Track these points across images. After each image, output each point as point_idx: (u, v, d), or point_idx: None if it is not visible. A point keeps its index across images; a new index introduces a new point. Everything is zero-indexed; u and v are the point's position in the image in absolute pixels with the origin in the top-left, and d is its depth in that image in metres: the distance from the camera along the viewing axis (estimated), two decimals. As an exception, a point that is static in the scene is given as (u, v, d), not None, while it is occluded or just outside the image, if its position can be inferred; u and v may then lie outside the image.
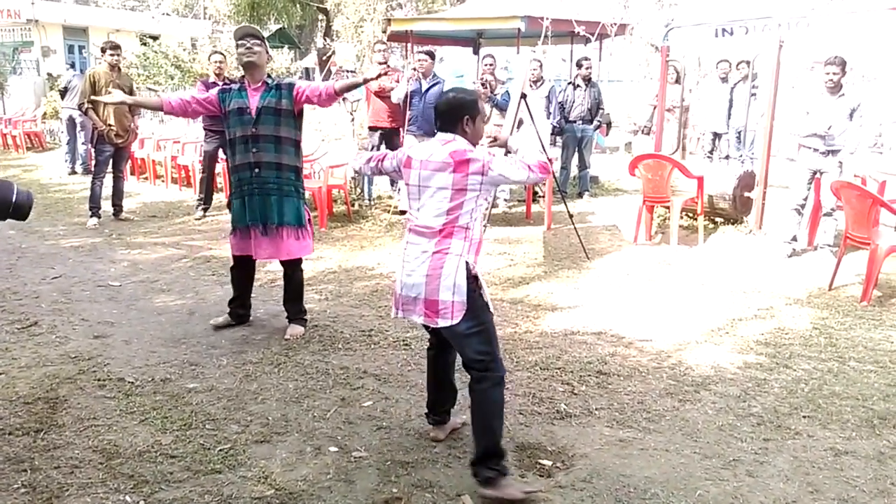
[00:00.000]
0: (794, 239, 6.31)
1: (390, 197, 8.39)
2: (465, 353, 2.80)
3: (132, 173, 10.13)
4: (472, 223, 2.78)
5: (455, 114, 2.77)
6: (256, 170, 4.11)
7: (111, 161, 7.47)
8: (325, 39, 21.62)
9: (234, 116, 4.10)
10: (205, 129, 7.91)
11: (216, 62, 7.85)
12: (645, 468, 2.90)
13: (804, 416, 3.37)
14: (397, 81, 7.83)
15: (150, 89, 14.46)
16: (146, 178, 10.46)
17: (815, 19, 6.37)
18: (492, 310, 2.84)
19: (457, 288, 2.70)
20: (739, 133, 9.98)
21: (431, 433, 3.14)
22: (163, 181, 10.08)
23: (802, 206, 6.27)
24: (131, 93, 7.51)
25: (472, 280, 2.74)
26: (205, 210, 7.93)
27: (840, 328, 4.57)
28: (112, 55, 7.28)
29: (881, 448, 3.08)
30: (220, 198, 8.45)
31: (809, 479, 2.84)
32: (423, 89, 7.65)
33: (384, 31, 12.72)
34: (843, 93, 5.91)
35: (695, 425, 3.27)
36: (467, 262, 2.74)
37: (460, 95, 2.84)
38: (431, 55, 8.01)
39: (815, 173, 6.12)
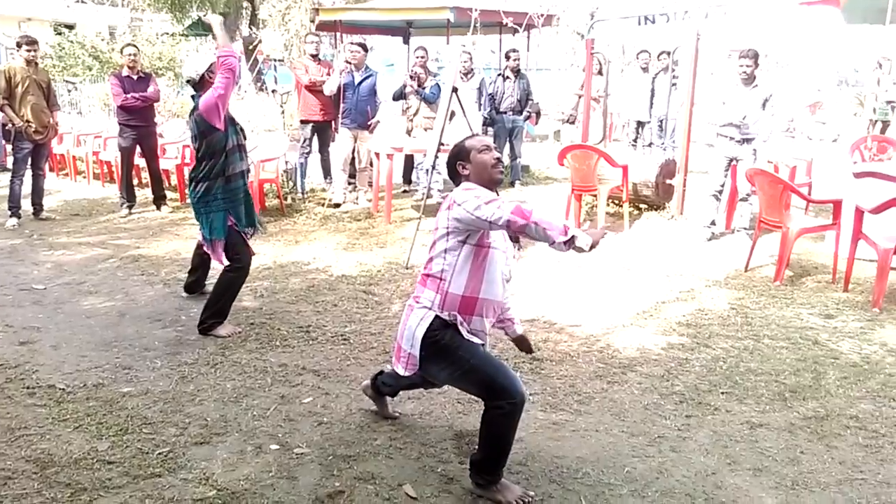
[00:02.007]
0: (713, 223, 6.62)
1: (324, 190, 8.35)
2: (467, 392, 2.86)
3: (51, 170, 9.72)
4: (447, 274, 2.57)
5: (451, 167, 2.76)
6: (246, 178, 4.42)
7: (30, 158, 7.18)
8: (250, 28, 21.15)
9: (231, 126, 4.25)
10: (120, 123, 7.52)
11: (129, 55, 7.54)
12: (577, 449, 3.04)
13: (723, 393, 3.59)
14: (328, 74, 7.78)
15: (67, 81, 13.87)
16: (66, 175, 10.07)
17: (732, 8, 6.67)
18: (477, 340, 2.65)
19: (414, 340, 2.62)
20: (661, 121, 10.35)
21: (363, 384, 3.34)
22: (84, 177, 9.72)
23: (720, 192, 6.59)
24: (49, 88, 7.24)
25: (443, 328, 2.58)
26: (129, 208, 7.72)
27: (755, 307, 4.85)
28: (28, 51, 6.98)
29: (792, 420, 3.32)
30: (145, 193, 8.25)
31: (728, 451, 3.05)
32: (356, 82, 7.63)
33: (312, 21, 12.57)
34: (756, 84, 6.23)
35: (622, 405, 3.45)
36: (437, 316, 2.58)
37: (450, 151, 2.80)
38: (364, 47, 7.98)
39: (731, 160, 6.43)
